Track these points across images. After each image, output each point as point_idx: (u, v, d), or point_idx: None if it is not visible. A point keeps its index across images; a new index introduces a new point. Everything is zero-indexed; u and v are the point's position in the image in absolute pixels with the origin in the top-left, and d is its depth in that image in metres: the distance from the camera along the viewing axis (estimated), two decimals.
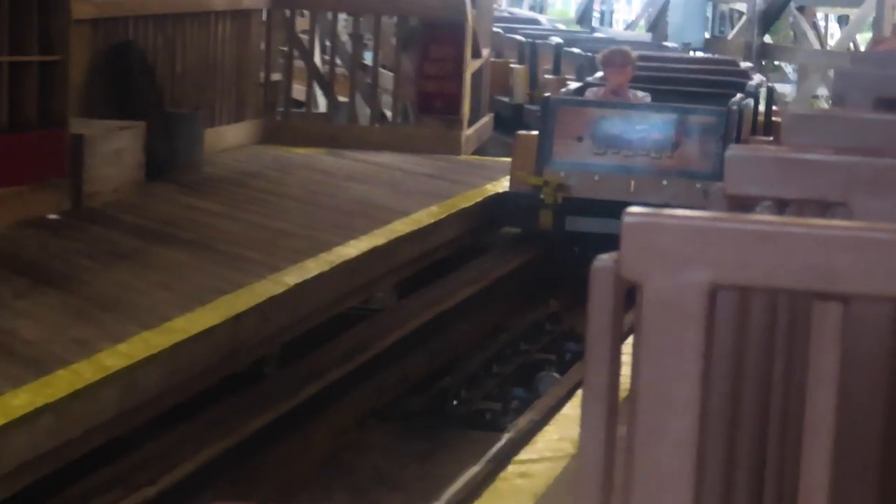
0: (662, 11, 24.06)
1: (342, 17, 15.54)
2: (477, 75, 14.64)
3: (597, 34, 22.25)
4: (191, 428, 7.86)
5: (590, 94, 11.26)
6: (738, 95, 11.66)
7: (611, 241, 7.56)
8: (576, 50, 17.52)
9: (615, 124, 10.05)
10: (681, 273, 1.55)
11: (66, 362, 6.88)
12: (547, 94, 11.75)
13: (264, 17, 14.31)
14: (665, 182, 9.33)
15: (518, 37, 18.59)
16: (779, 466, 2.30)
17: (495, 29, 17.94)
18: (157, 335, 7.55)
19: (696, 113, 10.09)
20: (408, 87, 14.42)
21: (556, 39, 18.63)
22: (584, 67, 17.13)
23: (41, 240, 9.58)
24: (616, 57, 11.59)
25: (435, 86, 14.16)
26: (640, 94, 10.91)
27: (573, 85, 12.56)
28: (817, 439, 1.71)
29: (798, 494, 1.79)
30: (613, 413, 1.80)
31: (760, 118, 12.68)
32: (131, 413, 7.27)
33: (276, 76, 14.59)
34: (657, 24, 23.79)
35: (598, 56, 13.64)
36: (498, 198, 11.07)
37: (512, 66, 17.04)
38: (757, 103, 11.99)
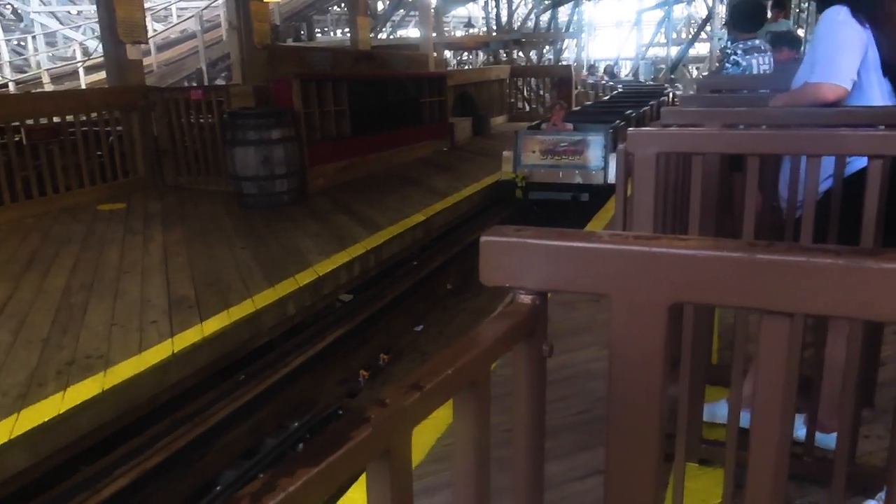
0: (636, 68, 23.15)
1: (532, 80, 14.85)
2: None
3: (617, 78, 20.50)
4: (446, 238, 6.58)
5: (544, 126, 7.93)
6: (617, 120, 8.02)
7: (551, 203, 7.45)
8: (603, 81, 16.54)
9: (551, 142, 7.30)
10: (644, 147, 1.35)
11: (450, 193, 6.74)
12: (516, 130, 7.98)
13: (508, 80, 13.78)
14: (577, 172, 7.00)
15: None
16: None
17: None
18: (471, 188, 7.16)
19: (590, 133, 7.30)
20: (554, 98, 13.18)
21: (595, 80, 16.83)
22: (596, 87, 15.88)
23: (442, 156, 9.24)
24: (554, 106, 8.58)
25: (562, 98, 12.92)
26: (568, 125, 7.77)
27: (535, 122, 8.62)
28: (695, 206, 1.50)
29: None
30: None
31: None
32: (452, 221, 6.60)
33: (512, 100, 14.07)
34: (636, 72, 22.84)
35: (547, 105, 10.97)
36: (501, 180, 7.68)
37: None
38: (644, 114, 8.81)
